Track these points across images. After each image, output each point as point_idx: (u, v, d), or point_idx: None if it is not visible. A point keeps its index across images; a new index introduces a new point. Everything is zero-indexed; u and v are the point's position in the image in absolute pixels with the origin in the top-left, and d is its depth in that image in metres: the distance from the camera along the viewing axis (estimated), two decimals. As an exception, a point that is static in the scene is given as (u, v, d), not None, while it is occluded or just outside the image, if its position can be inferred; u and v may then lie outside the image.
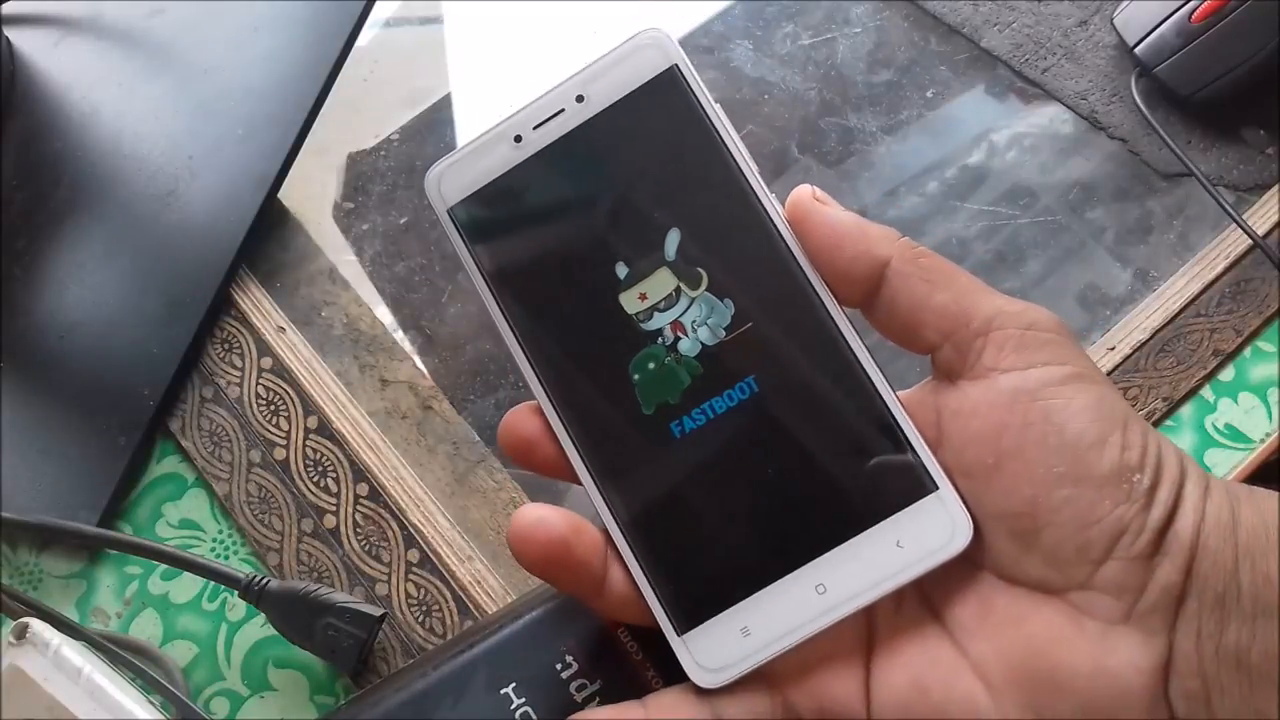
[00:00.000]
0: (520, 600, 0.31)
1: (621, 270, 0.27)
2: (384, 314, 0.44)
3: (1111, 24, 0.44)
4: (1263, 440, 0.38)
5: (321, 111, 0.45)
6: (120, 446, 0.41)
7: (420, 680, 0.29)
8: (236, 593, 0.37)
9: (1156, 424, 0.39)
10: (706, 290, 0.26)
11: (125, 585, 0.40)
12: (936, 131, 0.44)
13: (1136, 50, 0.43)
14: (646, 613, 0.26)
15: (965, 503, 0.25)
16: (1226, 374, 0.39)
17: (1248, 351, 0.40)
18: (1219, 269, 0.41)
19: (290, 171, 0.45)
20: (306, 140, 0.45)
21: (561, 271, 0.27)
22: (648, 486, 0.26)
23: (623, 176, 0.27)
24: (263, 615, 0.37)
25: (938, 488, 0.25)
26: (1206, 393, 0.39)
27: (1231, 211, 0.40)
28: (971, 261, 0.42)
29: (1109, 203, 0.42)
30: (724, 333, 0.26)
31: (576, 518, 0.26)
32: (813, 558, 0.25)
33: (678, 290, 0.27)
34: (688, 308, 0.26)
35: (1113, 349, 0.40)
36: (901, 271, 0.25)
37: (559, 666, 0.29)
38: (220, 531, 0.40)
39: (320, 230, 0.45)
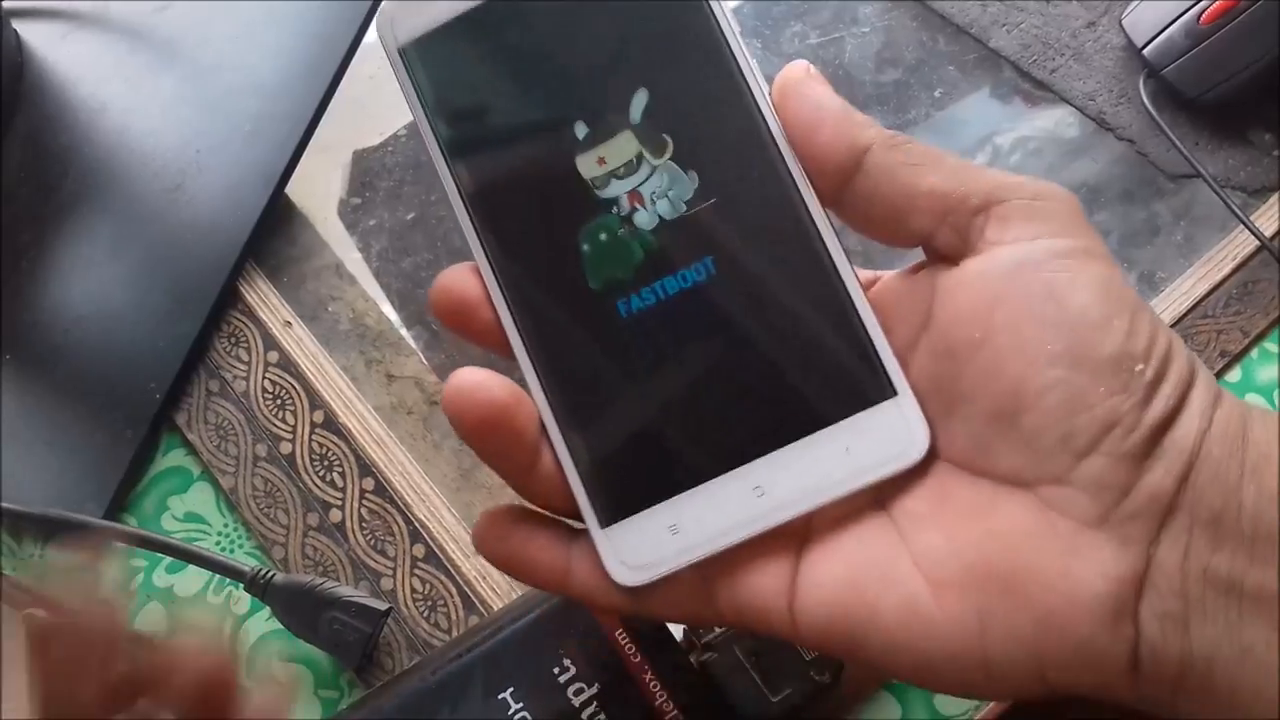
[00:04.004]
0: (518, 602, 0.31)
1: (581, 130, 0.24)
2: (390, 309, 0.44)
3: (1120, 25, 0.44)
4: (1269, 442, 0.38)
5: (328, 108, 0.45)
6: (126, 439, 0.41)
7: (418, 685, 0.29)
8: (242, 586, 0.37)
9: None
10: (670, 159, 0.24)
11: (130, 578, 0.40)
12: (944, 131, 0.44)
13: (1145, 51, 0.43)
14: (572, 502, 0.24)
15: (926, 415, 0.23)
16: (1233, 375, 0.39)
17: (1255, 353, 0.40)
18: (1226, 270, 0.40)
19: (297, 168, 0.45)
20: (313, 137, 0.45)
21: (517, 125, 0.25)
22: (586, 366, 0.24)
23: (593, 27, 0.25)
24: (268, 609, 0.37)
25: (896, 393, 0.23)
26: (1213, 394, 0.39)
27: (1239, 213, 0.40)
28: (978, 261, 0.42)
29: (1116, 204, 0.42)
30: (684, 207, 0.24)
31: (518, 388, 0.24)
32: (754, 457, 0.24)
33: (639, 157, 0.24)
34: (648, 177, 0.24)
35: (1119, 349, 0.40)
36: (884, 160, 0.23)
37: (556, 670, 0.29)
38: (226, 525, 0.40)
39: (326, 226, 0.45)
